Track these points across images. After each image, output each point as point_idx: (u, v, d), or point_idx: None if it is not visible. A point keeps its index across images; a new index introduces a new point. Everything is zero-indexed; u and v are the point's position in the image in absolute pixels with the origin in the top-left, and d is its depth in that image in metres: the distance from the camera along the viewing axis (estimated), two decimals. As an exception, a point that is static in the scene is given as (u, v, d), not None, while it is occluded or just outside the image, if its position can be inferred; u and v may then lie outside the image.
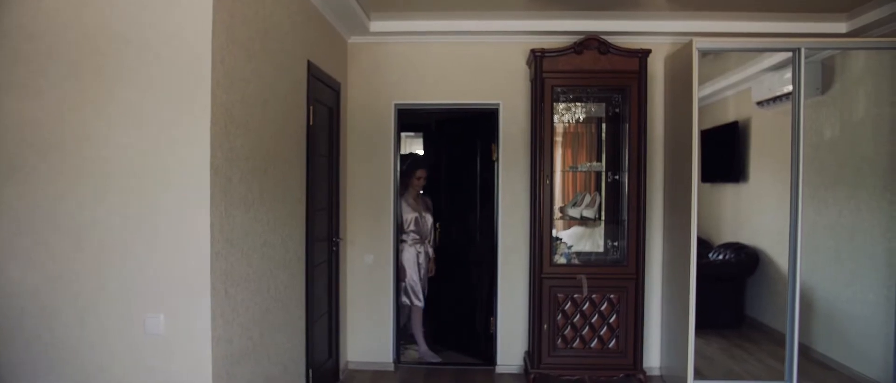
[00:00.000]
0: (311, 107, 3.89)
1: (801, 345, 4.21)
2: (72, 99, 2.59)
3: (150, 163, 2.57)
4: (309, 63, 3.85)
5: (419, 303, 5.20)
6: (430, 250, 5.35)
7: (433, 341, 5.34)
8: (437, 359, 5.16)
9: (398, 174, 5.07)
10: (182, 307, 2.58)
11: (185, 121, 2.55)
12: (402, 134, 5.69)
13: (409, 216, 5.16)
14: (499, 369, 4.93)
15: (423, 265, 5.25)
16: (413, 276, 5.15)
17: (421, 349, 5.25)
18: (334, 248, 4.53)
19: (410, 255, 5.17)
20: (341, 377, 4.74)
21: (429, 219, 5.29)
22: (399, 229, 5.06)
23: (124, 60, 2.56)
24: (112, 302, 2.60)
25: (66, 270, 2.61)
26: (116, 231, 2.58)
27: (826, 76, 4.41)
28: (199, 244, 2.55)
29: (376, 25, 4.75)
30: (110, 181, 2.58)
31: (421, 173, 5.21)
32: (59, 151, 2.60)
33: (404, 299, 5.19)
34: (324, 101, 4.26)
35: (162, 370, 2.60)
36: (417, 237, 5.18)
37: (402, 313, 5.20)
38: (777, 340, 4.34)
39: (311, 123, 3.88)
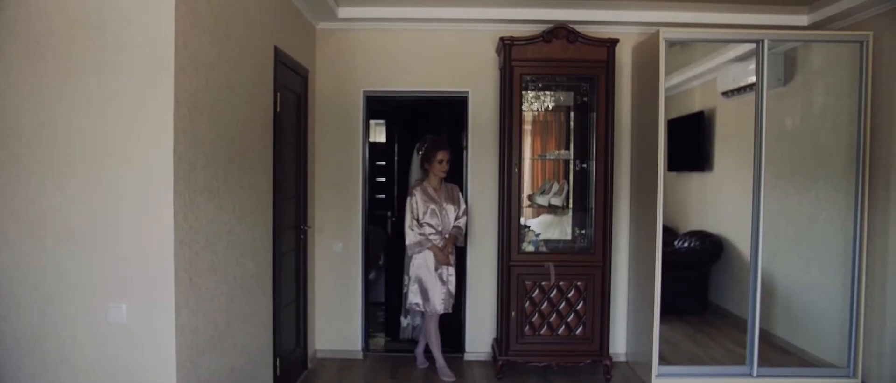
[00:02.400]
0: (279, 94, 3.84)
1: (761, 331, 4.33)
2: (29, 83, 2.51)
3: (112, 150, 2.50)
4: (276, 49, 3.79)
5: (433, 309, 4.50)
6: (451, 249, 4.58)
7: (399, 330, 5.25)
8: (426, 364, 4.74)
9: (365, 160, 5.04)
10: (145, 296, 2.53)
11: (148, 106, 2.49)
12: (372, 121, 5.64)
13: (424, 207, 4.49)
14: (467, 356, 4.96)
15: (447, 266, 4.52)
16: (423, 277, 4.49)
17: (419, 358, 4.79)
18: (302, 236, 4.49)
19: (426, 255, 4.50)
20: (309, 366, 4.71)
21: (451, 210, 4.56)
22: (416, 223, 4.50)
23: (83, 43, 2.49)
24: (73, 291, 2.54)
25: (25, 259, 2.55)
26: (77, 218, 2.52)
27: (788, 67, 4.50)
28: (162, 232, 2.50)
29: (345, 11, 4.70)
30: (70, 167, 2.52)
31: (442, 155, 4.50)
32: (15, 137, 2.52)
33: (413, 302, 4.55)
34: (291, 88, 4.20)
35: (125, 360, 2.56)
36: (435, 231, 4.51)
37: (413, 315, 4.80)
38: (739, 326, 4.44)
39: (278, 110, 3.83)
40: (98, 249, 2.53)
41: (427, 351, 4.78)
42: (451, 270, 4.53)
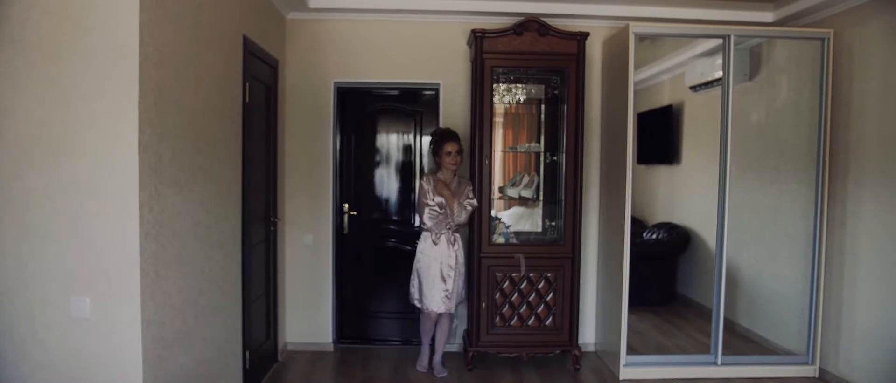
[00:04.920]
0: (248, 85, 3.79)
1: (726, 320, 4.42)
2: (-14, 71, 2.44)
3: (74, 140, 2.45)
4: (245, 39, 3.74)
5: (427, 308, 4.33)
6: (460, 243, 4.41)
7: (371, 322, 5.21)
8: (444, 374, 4.45)
9: (336, 152, 5.01)
10: (110, 290, 2.49)
11: (112, 96, 2.44)
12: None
13: (434, 199, 4.31)
14: (438, 348, 4.97)
15: (448, 260, 4.32)
16: (421, 272, 4.35)
17: (420, 363, 4.57)
18: (272, 229, 4.45)
19: (427, 246, 4.34)
20: (280, 358, 4.69)
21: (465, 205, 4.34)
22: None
23: (43, 30, 2.42)
24: (33, 285, 2.48)
25: (-17, 252, 2.49)
26: (36, 210, 2.46)
27: (754, 63, 4.58)
28: (127, 224, 2.46)
29: (316, 1, 4.65)
30: (30, 158, 2.45)
31: (451, 147, 4.28)
32: (-28, 127, 2.46)
33: (414, 298, 4.45)
34: (261, 79, 4.15)
35: (89, 355, 2.51)
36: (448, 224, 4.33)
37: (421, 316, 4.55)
38: (705, 316, 4.53)
39: (247, 101, 3.78)
40: (59, 242, 2.48)
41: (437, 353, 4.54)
42: (453, 264, 4.32)
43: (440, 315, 4.40)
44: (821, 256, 4.37)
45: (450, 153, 4.31)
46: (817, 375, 4.41)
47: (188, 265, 2.96)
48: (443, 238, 4.33)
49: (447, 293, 4.32)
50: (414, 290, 4.44)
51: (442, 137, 4.36)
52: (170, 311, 2.77)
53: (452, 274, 4.33)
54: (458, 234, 4.42)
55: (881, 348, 3.95)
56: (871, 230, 4.06)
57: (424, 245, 4.37)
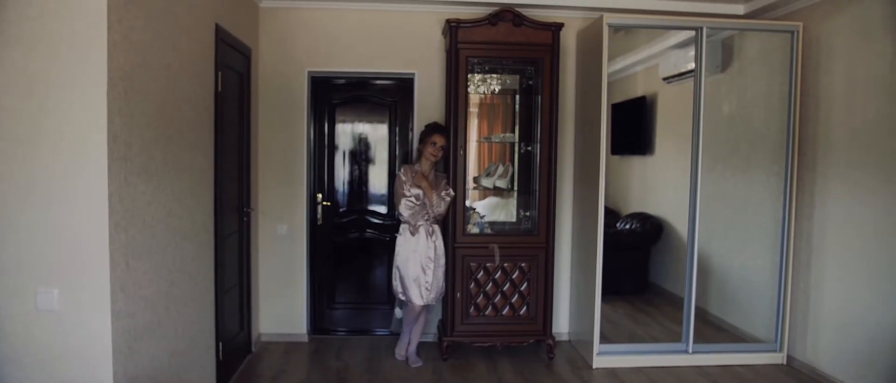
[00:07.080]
0: (220, 73, 3.74)
1: (697, 309, 4.49)
2: (-53, 57, 2.37)
3: (40, 129, 2.39)
4: (217, 27, 3.69)
5: (419, 301, 4.33)
6: (439, 234, 4.41)
7: (345, 313, 5.20)
8: (419, 364, 4.45)
9: (310, 141, 4.97)
10: (78, 281, 2.44)
11: (79, 84, 2.38)
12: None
13: (411, 191, 4.33)
14: (414, 338, 4.98)
15: (427, 252, 4.32)
16: (400, 266, 4.35)
17: (399, 351, 4.59)
18: (246, 219, 4.41)
19: (405, 239, 4.37)
20: (254, 349, 4.66)
21: (435, 200, 4.35)
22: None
23: (6, 16, 2.35)
24: (-1, 276, 2.44)
25: (-55, 243, 2.42)
26: (2, 201, 2.40)
27: (726, 55, 4.64)
28: (96, 214, 2.42)
29: (289, -11, 4.60)
30: (-6, 147, 2.40)
31: (437, 139, 4.33)
32: (-67, 114, 2.39)
33: (397, 291, 4.46)
34: (234, 67, 4.10)
35: (57, 347, 2.46)
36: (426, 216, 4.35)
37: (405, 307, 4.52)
38: (677, 305, 4.60)
39: (219, 90, 3.73)
40: (27, 233, 2.42)
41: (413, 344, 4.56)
42: (432, 256, 4.32)
43: (422, 306, 4.40)
44: (789, 246, 4.46)
45: (435, 143, 4.34)
46: (785, 362, 4.51)
47: (159, 255, 2.92)
48: (421, 229, 4.32)
49: (427, 285, 4.33)
50: (396, 283, 4.43)
51: (433, 129, 4.42)
52: (140, 302, 2.73)
53: (432, 265, 4.34)
54: (436, 226, 4.42)
55: (846, 335, 4.05)
56: (837, 221, 4.15)
57: (403, 238, 4.38)
